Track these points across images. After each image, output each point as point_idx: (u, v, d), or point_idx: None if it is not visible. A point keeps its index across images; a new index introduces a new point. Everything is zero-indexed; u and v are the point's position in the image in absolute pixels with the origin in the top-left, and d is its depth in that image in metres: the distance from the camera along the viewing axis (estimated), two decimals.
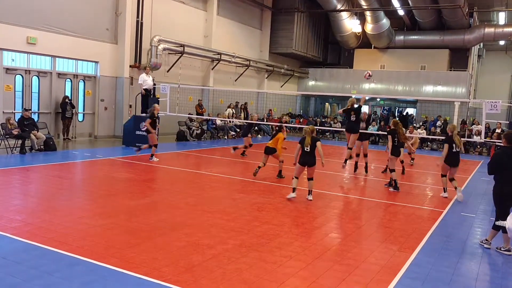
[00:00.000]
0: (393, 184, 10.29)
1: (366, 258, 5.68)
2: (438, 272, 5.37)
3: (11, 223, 6.14)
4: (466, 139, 19.47)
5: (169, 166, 12.18)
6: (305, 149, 8.67)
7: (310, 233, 6.62)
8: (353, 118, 11.58)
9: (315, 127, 10.48)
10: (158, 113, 12.82)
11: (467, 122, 23.48)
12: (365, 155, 12.58)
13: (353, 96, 12.66)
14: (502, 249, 6.27)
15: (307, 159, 8.70)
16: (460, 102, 24.52)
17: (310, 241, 6.20)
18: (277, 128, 11.78)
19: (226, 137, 20.95)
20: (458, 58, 27.93)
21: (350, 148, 11.90)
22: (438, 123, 23.33)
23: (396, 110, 31.45)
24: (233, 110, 22.28)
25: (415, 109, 29.03)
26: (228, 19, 23.26)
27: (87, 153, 13.32)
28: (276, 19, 26.64)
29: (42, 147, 12.89)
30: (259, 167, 10.92)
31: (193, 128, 19.19)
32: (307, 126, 9.09)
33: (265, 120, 24.15)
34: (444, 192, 10.09)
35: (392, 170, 10.31)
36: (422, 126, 23.76)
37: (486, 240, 6.47)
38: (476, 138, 19.88)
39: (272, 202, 8.47)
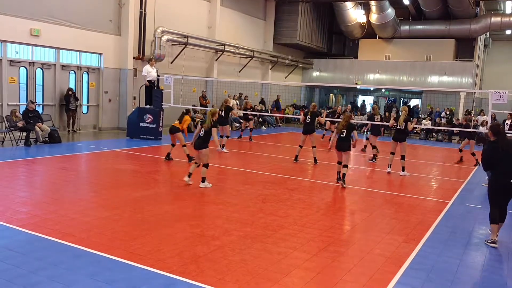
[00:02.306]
0: (341, 177, 9.45)
1: (371, 249, 5.66)
2: (443, 263, 5.35)
3: (16, 215, 6.17)
4: (472, 129, 19.35)
5: (173, 158, 12.18)
6: (200, 133, 8.54)
7: (315, 224, 6.61)
8: (308, 119, 12.04)
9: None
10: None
11: (473, 113, 23.28)
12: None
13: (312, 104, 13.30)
14: (489, 241, 6.18)
15: (198, 143, 8.49)
16: (466, 92, 24.32)
17: (315, 233, 6.19)
18: (184, 111, 11.50)
19: (230, 128, 20.89)
20: (464, 48, 27.64)
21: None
22: (443, 113, 23.19)
23: (401, 101, 31.27)
24: (237, 101, 22.22)
25: (420, 99, 28.84)
26: (231, 10, 23.10)
27: (92, 145, 13.35)
28: (280, 9, 26.42)
29: (46, 139, 12.92)
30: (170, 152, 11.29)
31: (197, 119, 19.16)
32: (210, 109, 8.97)
33: (269, 112, 24.10)
34: (389, 167, 11.29)
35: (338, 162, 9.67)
36: (428, 117, 23.67)
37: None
38: (482, 129, 19.72)
39: (276, 193, 8.46)
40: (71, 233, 5.57)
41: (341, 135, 9.49)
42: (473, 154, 13.59)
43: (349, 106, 21.74)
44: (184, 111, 11.53)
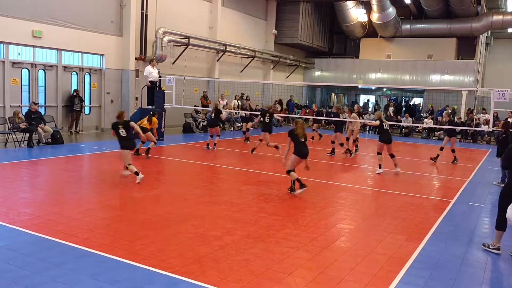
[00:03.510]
0: (291, 186, 8.51)
1: (373, 248, 5.66)
2: (446, 262, 5.35)
3: (20, 216, 6.19)
4: (474, 128, 19.35)
5: (176, 158, 12.20)
6: (121, 134, 8.75)
7: (317, 224, 6.61)
8: (267, 119, 13.17)
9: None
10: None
11: (475, 112, 23.25)
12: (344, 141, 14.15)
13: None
14: (490, 246, 5.79)
15: (124, 143, 8.76)
16: (467, 91, 24.28)
17: (318, 232, 6.19)
18: (151, 113, 12.31)
19: (232, 129, 20.93)
20: (466, 47, 27.59)
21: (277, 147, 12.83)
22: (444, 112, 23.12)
23: (403, 100, 31.27)
24: (239, 101, 22.25)
25: (422, 98, 28.81)
26: (233, 10, 23.11)
27: (94, 146, 13.37)
28: (281, 9, 26.43)
29: (49, 140, 12.95)
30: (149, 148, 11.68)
31: (199, 120, 19.19)
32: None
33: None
34: (380, 168, 11.20)
35: (290, 171, 8.43)
36: (430, 116, 23.64)
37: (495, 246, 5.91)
38: (484, 127, 19.71)
39: (278, 193, 8.45)
40: (74, 233, 5.59)
41: (303, 141, 8.41)
42: (453, 151, 13.53)
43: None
44: (151, 112, 12.28)
